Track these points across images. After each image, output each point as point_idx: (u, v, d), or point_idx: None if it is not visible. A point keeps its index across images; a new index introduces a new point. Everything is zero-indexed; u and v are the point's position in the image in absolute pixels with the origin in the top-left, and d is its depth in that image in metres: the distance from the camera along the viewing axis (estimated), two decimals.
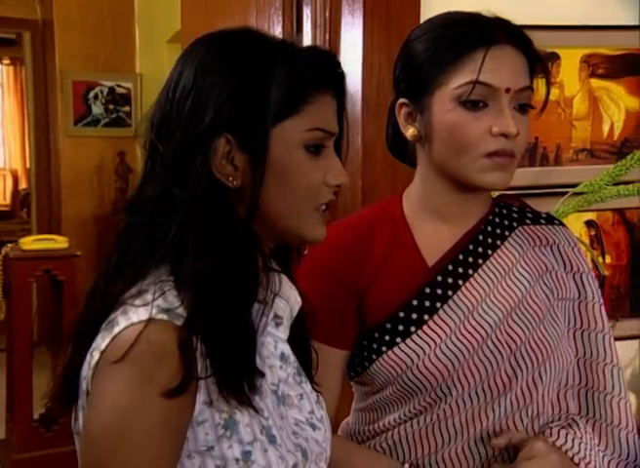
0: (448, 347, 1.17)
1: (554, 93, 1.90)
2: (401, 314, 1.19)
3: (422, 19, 1.77)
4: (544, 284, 1.24)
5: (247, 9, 2.13)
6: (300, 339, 1.06)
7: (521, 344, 1.19)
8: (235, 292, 0.91)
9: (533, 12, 1.84)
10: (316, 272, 1.21)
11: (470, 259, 1.21)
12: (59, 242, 3.66)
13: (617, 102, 1.98)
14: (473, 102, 1.12)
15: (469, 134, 1.13)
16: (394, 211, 1.24)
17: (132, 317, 0.86)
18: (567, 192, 1.86)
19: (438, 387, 1.17)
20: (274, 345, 0.99)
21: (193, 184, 0.91)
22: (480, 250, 1.22)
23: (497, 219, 1.26)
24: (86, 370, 0.89)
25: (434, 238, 1.22)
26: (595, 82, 1.94)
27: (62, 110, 5.11)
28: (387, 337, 1.19)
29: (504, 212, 1.28)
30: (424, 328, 1.18)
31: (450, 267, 1.21)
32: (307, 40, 1.88)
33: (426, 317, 1.18)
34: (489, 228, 1.24)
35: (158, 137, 0.94)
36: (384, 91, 1.81)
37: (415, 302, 1.19)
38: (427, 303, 1.19)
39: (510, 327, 1.19)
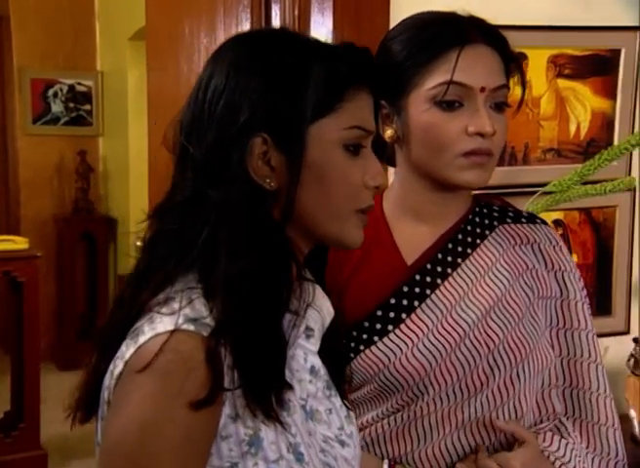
0: (425, 346, 1.17)
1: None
2: (379, 312, 1.18)
3: (392, 18, 1.79)
4: (524, 282, 1.24)
5: (214, 6, 2.10)
6: (332, 351, 1.03)
7: (499, 343, 1.18)
8: (266, 300, 0.87)
9: (500, 12, 1.82)
10: None
11: (449, 258, 1.21)
12: (18, 243, 3.58)
13: (583, 103, 1.99)
14: (448, 102, 1.12)
15: (445, 133, 1.13)
16: (374, 210, 1.22)
17: (157, 326, 0.83)
18: (534, 191, 1.86)
19: (415, 385, 1.17)
20: (304, 358, 0.95)
21: (227, 186, 0.88)
22: (459, 249, 1.22)
23: (477, 219, 1.26)
24: (108, 380, 0.86)
25: (413, 237, 1.22)
26: (562, 82, 1.95)
27: (21, 108, 5.03)
28: (365, 336, 1.18)
29: (485, 211, 1.27)
30: (402, 326, 1.18)
31: (428, 266, 1.21)
32: None
33: (404, 316, 1.18)
34: (468, 227, 1.24)
35: (188, 140, 0.91)
36: None
37: (393, 301, 1.19)
38: (405, 302, 1.18)
39: (488, 325, 1.19)
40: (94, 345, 0.92)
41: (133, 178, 4.75)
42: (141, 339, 0.83)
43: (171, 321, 0.82)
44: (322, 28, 1.80)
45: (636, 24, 1.98)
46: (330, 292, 1.07)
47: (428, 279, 1.20)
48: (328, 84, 0.90)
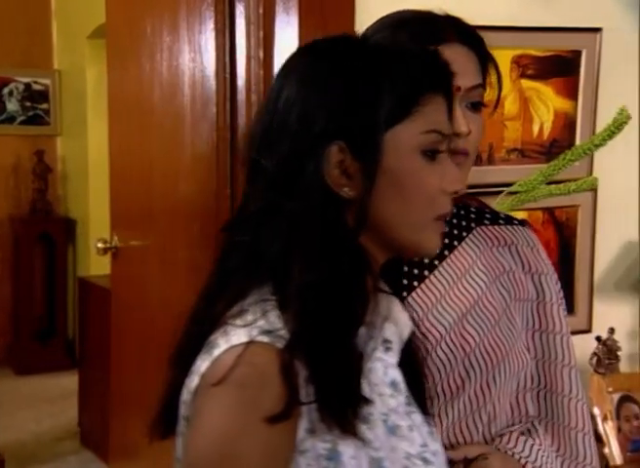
0: None
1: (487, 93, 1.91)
2: None
3: (358, 16, 1.78)
4: (501, 285, 1.23)
5: (176, 4, 2.07)
6: (410, 366, 1.00)
7: (475, 346, 1.17)
8: (342, 312, 0.85)
9: (464, 12, 1.83)
10: None
11: (426, 260, 1.19)
12: None
13: (546, 103, 2.00)
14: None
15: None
16: None
17: (232, 339, 0.82)
18: (499, 191, 1.87)
19: None
20: (384, 371, 0.93)
21: (303, 196, 0.86)
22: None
23: (454, 220, 1.23)
24: (185, 395, 0.86)
25: None
26: (525, 82, 1.96)
27: None
28: None
29: (462, 212, 1.25)
30: None
31: (405, 268, 1.18)
32: (241, 38, 1.83)
33: None
34: (446, 229, 1.20)
35: (260, 153, 0.90)
36: None
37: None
38: None
39: (465, 328, 1.17)
40: (169, 361, 0.91)
41: (92, 179, 4.68)
42: (216, 352, 0.82)
43: (245, 333, 0.82)
44: (288, 28, 1.77)
45: (597, 26, 2.00)
46: None
47: (405, 281, 1.17)
48: (403, 89, 0.89)
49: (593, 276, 2.17)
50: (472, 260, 1.22)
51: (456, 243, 1.22)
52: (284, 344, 0.81)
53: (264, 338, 0.81)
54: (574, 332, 2.01)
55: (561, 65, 1.98)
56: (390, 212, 0.90)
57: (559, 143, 2.03)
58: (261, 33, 1.78)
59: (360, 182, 0.88)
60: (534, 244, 1.29)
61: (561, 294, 1.28)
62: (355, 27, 1.75)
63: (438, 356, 1.16)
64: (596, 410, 1.93)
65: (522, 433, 1.21)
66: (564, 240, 2.11)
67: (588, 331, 2.15)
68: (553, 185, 1.81)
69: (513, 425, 1.23)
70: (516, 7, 1.91)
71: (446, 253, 1.20)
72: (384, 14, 1.72)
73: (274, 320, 0.83)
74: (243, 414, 0.79)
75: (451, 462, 1.12)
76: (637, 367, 2.23)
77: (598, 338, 2.03)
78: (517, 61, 1.93)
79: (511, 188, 1.83)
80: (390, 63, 0.90)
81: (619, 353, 2.01)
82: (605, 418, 1.92)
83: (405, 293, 1.16)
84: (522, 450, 1.19)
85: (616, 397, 1.94)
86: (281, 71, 0.95)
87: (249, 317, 0.84)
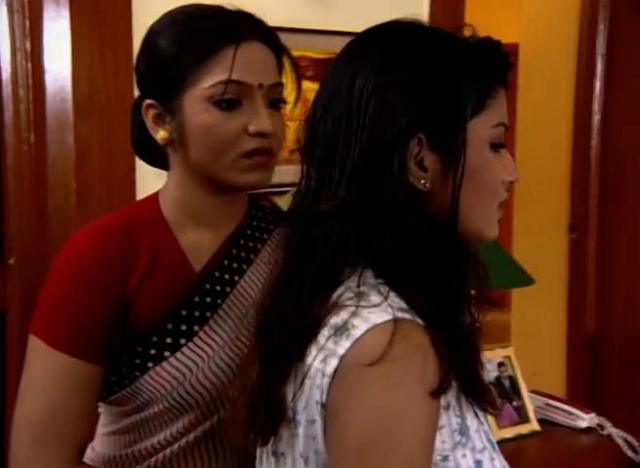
0: (222, 358, 1.11)
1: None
2: (169, 326, 1.10)
3: (134, 8, 1.83)
4: None
5: None
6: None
7: None
8: (454, 295, 0.89)
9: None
10: (73, 276, 1.09)
11: (235, 265, 1.17)
12: None
13: None
14: (227, 102, 1.08)
15: (225, 134, 1.08)
16: (153, 214, 1.16)
17: (372, 318, 0.82)
18: (285, 191, 1.82)
19: (212, 402, 1.10)
20: None
21: (391, 189, 0.88)
22: (243, 254, 1.18)
23: (254, 222, 1.23)
24: (319, 379, 0.84)
25: (198, 243, 1.16)
26: (306, 84, 1.96)
27: None
28: (154, 351, 1.09)
29: (259, 213, 1.25)
30: (196, 339, 1.10)
31: (217, 274, 1.15)
32: (3, 28, 1.76)
33: (197, 328, 1.11)
34: (248, 231, 1.20)
35: (336, 141, 0.90)
36: (97, 87, 1.83)
37: (184, 312, 1.11)
38: (197, 313, 1.11)
39: None
40: (260, 361, 0.91)
41: None
42: (357, 333, 0.81)
43: (384, 312, 0.82)
44: (58, 19, 1.79)
45: None
46: (115, 303, 1.06)
47: (218, 287, 1.14)
48: (480, 81, 0.90)
49: None
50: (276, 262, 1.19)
51: (259, 246, 1.20)
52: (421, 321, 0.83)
53: (406, 315, 0.82)
54: None
55: None
56: (464, 203, 0.91)
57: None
58: (28, 23, 1.78)
59: (437, 175, 0.89)
60: None
61: None
62: (132, 18, 1.84)
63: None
64: None
65: None
66: None
67: None
68: None
69: None
70: (294, 9, 2.01)
71: (252, 256, 1.19)
72: (163, 5, 1.83)
73: (398, 300, 0.84)
74: (411, 389, 0.80)
75: None
76: None
77: None
78: (298, 62, 1.96)
79: (294, 188, 1.80)
80: (468, 56, 0.91)
81: None
82: None
83: (220, 301, 1.14)
84: None
85: None
86: (347, 57, 0.94)
87: (373, 298, 0.84)
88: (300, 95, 1.21)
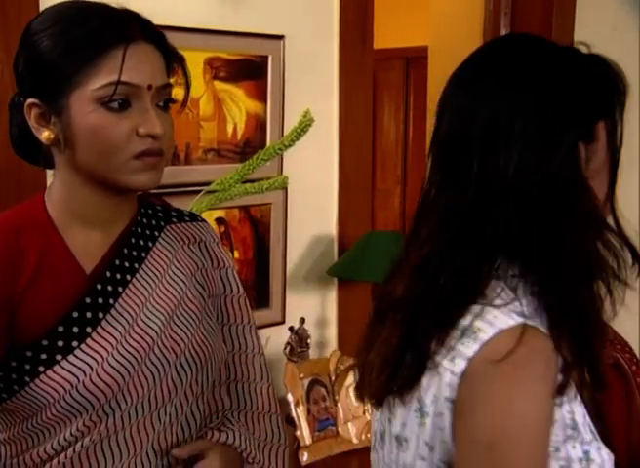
0: (116, 359, 1.10)
1: (181, 93, 1.97)
2: (60, 328, 1.09)
3: (42, 3, 1.77)
4: (197, 282, 1.23)
5: None
6: None
7: (185, 348, 1.17)
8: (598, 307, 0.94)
9: (153, 11, 1.94)
10: None
11: (126, 264, 1.16)
12: None
13: (238, 105, 2.07)
14: (117, 103, 1.07)
15: (115, 135, 1.07)
16: (39, 215, 1.14)
17: (497, 323, 0.89)
18: (198, 190, 1.87)
19: (106, 403, 1.09)
20: None
21: (564, 190, 0.93)
22: (134, 253, 1.18)
23: (144, 220, 1.22)
24: (448, 377, 0.90)
25: (87, 244, 1.15)
26: (218, 84, 2.03)
27: None
28: (45, 356, 1.08)
29: (150, 211, 1.25)
30: (88, 341, 1.09)
31: (108, 274, 1.14)
32: None
33: (89, 329, 1.10)
34: (139, 230, 1.20)
35: (485, 151, 0.94)
36: (4, 84, 1.80)
37: (75, 314, 1.10)
38: (89, 314, 1.11)
39: (173, 330, 1.16)
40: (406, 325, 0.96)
41: None
42: (485, 337, 0.88)
43: (509, 317, 0.90)
44: None
45: (281, 34, 2.12)
46: (2, 307, 1.04)
47: (110, 288, 1.13)
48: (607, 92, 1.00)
49: (286, 270, 2.19)
50: (169, 260, 1.21)
51: (150, 243, 1.20)
52: (545, 327, 0.90)
53: (530, 322, 0.89)
54: (269, 325, 2.07)
55: (250, 69, 2.07)
56: None
57: (252, 144, 2.09)
58: None
59: (604, 174, 0.99)
60: (218, 239, 1.31)
61: (242, 286, 1.31)
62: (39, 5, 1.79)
63: (152, 362, 1.13)
64: (290, 397, 1.95)
65: (221, 427, 1.22)
66: (259, 236, 2.14)
67: (282, 322, 2.15)
68: (248, 184, 1.84)
69: (211, 422, 1.23)
70: (207, 10, 2.02)
71: (143, 254, 1.19)
72: None
73: (527, 303, 0.92)
74: (535, 389, 0.87)
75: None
76: (325, 352, 2.25)
77: (291, 328, 2.02)
78: (210, 63, 2.01)
79: (209, 187, 1.85)
80: (604, 69, 1.00)
81: (309, 341, 2.02)
82: (297, 403, 1.95)
83: (112, 301, 1.13)
84: (227, 438, 1.21)
85: (306, 382, 1.98)
86: (479, 67, 1.01)
87: (503, 297, 0.91)
88: (188, 95, 1.21)
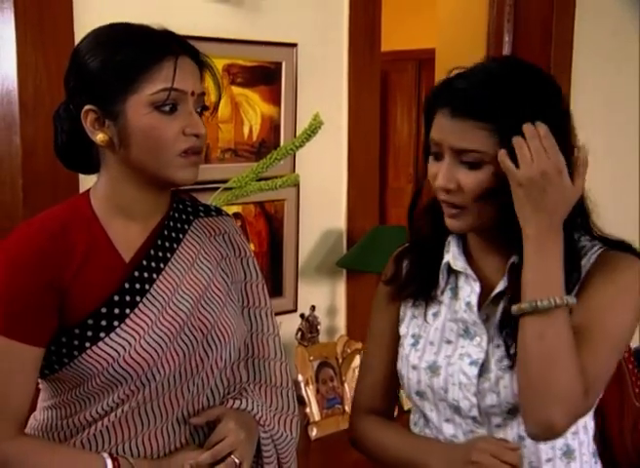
0: (151, 337, 1.24)
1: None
2: (103, 310, 1.23)
3: (76, 18, 1.95)
4: (222, 270, 1.37)
5: None
6: None
7: (211, 328, 1.30)
8: None
9: (176, 22, 2.06)
10: (15, 268, 1.21)
11: (160, 254, 1.30)
12: None
13: (254, 108, 2.21)
14: (168, 106, 1.21)
15: (166, 134, 1.21)
16: (85, 210, 1.28)
17: None
18: (216, 187, 1.99)
19: (143, 375, 1.23)
20: None
21: None
22: (167, 244, 1.31)
23: (176, 214, 1.35)
24: None
25: (127, 235, 1.28)
26: (236, 89, 2.17)
27: None
28: (90, 333, 1.22)
29: (181, 206, 1.38)
30: (127, 321, 1.24)
31: (144, 262, 1.28)
32: None
33: (128, 311, 1.24)
34: (171, 223, 1.35)
35: None
36: (41, 90, 1.93)
37: (116, 298, 1.24)
38: (128, 298, 1.25)
39: (201, 312, 1.30)
40: None
41: None
42: None
43: None
44: (4, 27, 1.89)
45: (294, 42, 2.26)
46: (53, 292, 1.20)
47: (146, 275, 1.27)
48: None
49: (298, 262, 2.32)
50: (197, 250, 1.36)
51: (181, 235, 1.35)
52: None
53: None
54: (282, 313, 2.22)
55: (265, 75, 2.22)
56: None
57: (266, 144, 2.22)
58: None
59: None
60: (240, 231, 1.46)
61: (261, 274, 1.45)
62: (74, 24, 1.94)
63: (182, 340, 1.28)
64: (300, 377, 2.09)
65: (236, 397, 1.36)
66: (273, 230, 2.26)
67: (294, 310, 2.27)
68: (263, 182, 1.96)
69: (229, 393, 1.36)
70: (226, 21, 2.16)
71: (175, 245, 1.34)
72: (103, 12, 1.91)
73: None
74: None
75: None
76: (334, 338, 2.35)
77: (302, 316, 2.16)
78: (228, 70, 2.15)
79: (226, 185, 1.98)
80: None
81: (319, 327, 2.15)
82: (307, 383, 2.08)
83: (147, 286, 1.28)
84: (240, 404, 1.34)
85: (315, 364, 2.11)
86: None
87: None
88: (220, 100, 1.37)
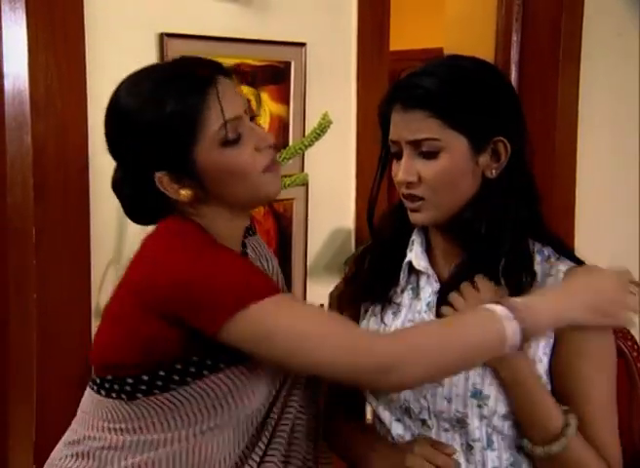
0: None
1: None
2: None
3: (86, 18, 1.96)
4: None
5: None
6: None
7: None
8: None
9: (189, 23, 2.11)
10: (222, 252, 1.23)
11: None
12: None
13: (263, 107, 2.21)
14: (232, 137, 1.19)
15: (244, 162, 1.20)
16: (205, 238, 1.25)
17: None
18: None
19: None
20: None
21: None
22: None
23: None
24: None
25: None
26: (245, 88, 2.17)
27: None
28: (210, 362, 1.22)
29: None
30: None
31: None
32: None
33: None
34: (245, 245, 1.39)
35: None
36: (52, 90, 1.95)
37: None
38: None
39: None
40: None
41: None
42: None
43: None
44: (15, 27, 1.89)
45: (303, 41, 2.27)
46: None
47: None
48: None
49: (307, 260, 2.33)
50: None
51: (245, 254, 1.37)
52: None
53: None
54: None
55: (274, 74, 2.22)
56: None
57: (276, 143, 2.17)
58: None
59: None
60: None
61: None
62: (84, 24, 1.96)
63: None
64: None
65: None
66: (282, 229, 2.27)
67: None
68: None
69: None
70: (236, 21, 2.17)
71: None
72: (114, 12, 1.95)
73: None
74: None
75: None
76: None
77: None
78: (236, 69, 2.15)
79: None
80: None
81: None
82: None
83: None
84: None
85: None
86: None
87: None
88: (261, 104, 1.37)
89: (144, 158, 1.20)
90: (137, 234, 2.02)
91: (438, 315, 1.29)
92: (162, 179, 1.20)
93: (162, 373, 1.17)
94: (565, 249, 1.32)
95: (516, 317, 1.13)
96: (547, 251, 1.31)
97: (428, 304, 1.32)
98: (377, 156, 2.47)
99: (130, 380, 1.18)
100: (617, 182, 3.05)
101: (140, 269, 1.20)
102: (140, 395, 1.18)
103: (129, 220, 2.10)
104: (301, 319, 1.14)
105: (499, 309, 1.14)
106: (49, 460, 1.31)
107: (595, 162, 2.94)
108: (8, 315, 1.95)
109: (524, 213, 1.27)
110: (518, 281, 1.24)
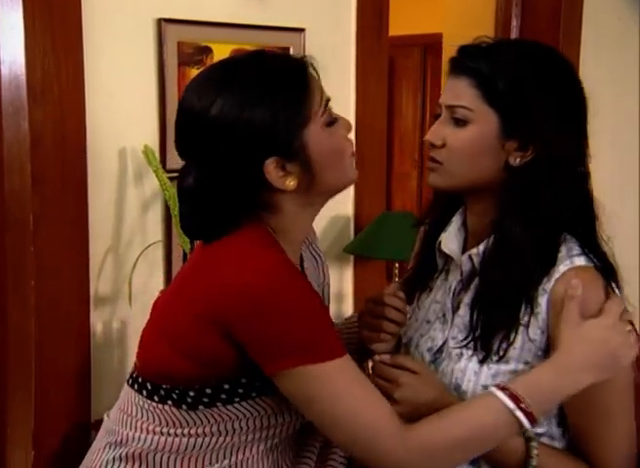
0: None
1: None
2: None
3: (84, 3, 1.92)
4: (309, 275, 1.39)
5: None
6: None
7: None
8: None
9: (187, 9, 2.10)
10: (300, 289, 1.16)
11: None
12: None
13: None
14: (334, 118, 1.18)
15: (344, 143, 1.20)
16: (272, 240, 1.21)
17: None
18: None
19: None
20: None
21: None
22: (305, 265, 1.35)
23: None
24: None
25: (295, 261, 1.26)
26: None
27: None
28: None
29: None
30: None
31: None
32: None
33: None
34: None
35: None
36: (49, 75, 1.94)
37: None
38: None
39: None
40: None
41: None
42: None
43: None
44: (11, 12, 1.87)
45: (302, 27, 2.26)
46: None
47: None
48: None
49: None
50: (308, 268, 1.35)
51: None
52: None
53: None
54: None
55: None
56: None
57: None
58: None
59: None
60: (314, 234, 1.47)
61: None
62: (81, 9, 1.94)
63: None
64: None
65: None
66: None
67: None
68: None
69: None
70: (234, 6, 2.16)
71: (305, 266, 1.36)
72: None
73: None
74: None
75: None
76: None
77: None
78: None
79: None
80: None
81: None
82: None
83: None
84: None
85: None
86: None
87: None
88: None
89: (256, 146, 1.15)
90: (135, 221, 2.06)
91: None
92: (270, 167, 1.15)
93: (226, 387, 1.16)
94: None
95: (525, 407, 1.12)
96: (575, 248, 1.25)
97: (449, 288, 1.32)
98: (375, 141, 2.58)
99: (192, 393, 1.16)
100: (619, 169, 3.03)
101: (211, 282, 1.15)
102: (201, 407, 1.17)
103: (127, 207, 2.11)
104: (348, 396, 1.11)
105: (510, 404, 1.12)
106: (89, 463, 1.27)
107: (595, 146, 2.93)
108: (6, 302, 1.95)
109: (564, 214, 1.23)
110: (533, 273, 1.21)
